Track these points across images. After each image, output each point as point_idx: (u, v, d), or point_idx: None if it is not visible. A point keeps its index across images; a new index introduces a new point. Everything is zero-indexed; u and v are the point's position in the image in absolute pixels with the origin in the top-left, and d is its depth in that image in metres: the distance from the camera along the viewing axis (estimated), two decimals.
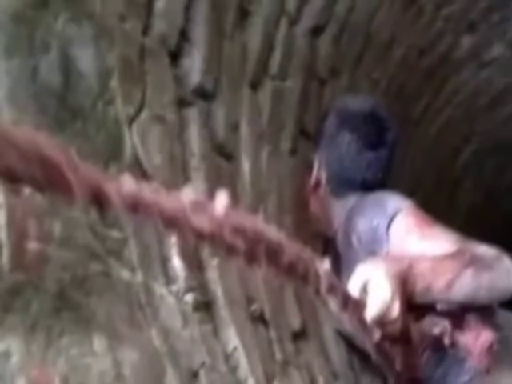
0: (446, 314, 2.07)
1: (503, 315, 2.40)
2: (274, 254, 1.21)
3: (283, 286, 2.10)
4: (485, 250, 2.11)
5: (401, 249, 2.16)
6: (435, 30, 3.84)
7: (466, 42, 4.17)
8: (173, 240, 1.56)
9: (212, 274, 1.71)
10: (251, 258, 1.14)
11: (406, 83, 3.81)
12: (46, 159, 0.74)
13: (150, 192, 0.91)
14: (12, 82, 1.20)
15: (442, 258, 2.05)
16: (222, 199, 1.06)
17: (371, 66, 3.30)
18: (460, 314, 2.10)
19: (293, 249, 1.27)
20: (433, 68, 4.04)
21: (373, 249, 2.23)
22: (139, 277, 1.40)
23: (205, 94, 1.91)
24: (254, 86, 2.25)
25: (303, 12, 2.56)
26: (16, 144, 0.71)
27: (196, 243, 1.61)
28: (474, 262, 2.03)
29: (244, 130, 2.13)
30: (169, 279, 1.53)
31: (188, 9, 1.85)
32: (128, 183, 0.88)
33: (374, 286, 1.84)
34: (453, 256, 2.05)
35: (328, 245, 2.62)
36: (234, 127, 2.08)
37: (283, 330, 2.03)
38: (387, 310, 1.84)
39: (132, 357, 1.28)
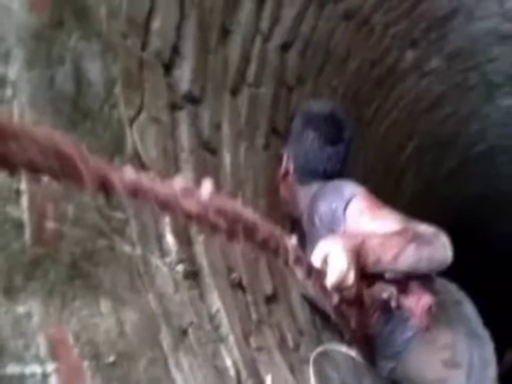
0: (392, 281, 2.08)
1: (440, 282, 2.43)
2: (250, 231, 1.21)
3: (258, 258, 2.11)
4: (425, 228, 2.12)
5: (355, 227, 2.17)
6: (384, 46, 3.84)
7: (410, 56, 4.18)
8: (166, 220, 1.56)
9: (199, 248, 1.71)
10: (231, 234, 1.15)
11: (360, 90, 3.81)
12: (61, 153, 0.75)
13: (147, 180, 0.91)
14: (32, 90, 1.20)
15: (389, 235, 2.06)
16: (207, 186, 1.06)
17: (331, 75, 3.30)
18: (404, 281, 2.11)
19: (266, 227, 1.28)
20: (382, 77, 4.04)
21: (332, 227, 2.24)
22: (138, 250, 1.40)
23: (193, 99, 1.91)
24: (234, 92, 2.25)
25: (274, 31, 2.56)
26: (36, 140, 0.72)
27: (185, 222, 1.62)
28: (416, 238, 2.04)
29: (225, 129, 2.14)
30: (163, 252, 1.53)
31: (179, 28, 1.85)
32: (129, 173, 0.88)
33: (333, 258, 1.85)
34: (398, 233, 2.06)
35: (295, 224, 2.63)
36: (217, 127, 2.09)
37: (258, 295, 2.03)
38: (344, 278, 1.85)
39: (132, 317, 1.28)
